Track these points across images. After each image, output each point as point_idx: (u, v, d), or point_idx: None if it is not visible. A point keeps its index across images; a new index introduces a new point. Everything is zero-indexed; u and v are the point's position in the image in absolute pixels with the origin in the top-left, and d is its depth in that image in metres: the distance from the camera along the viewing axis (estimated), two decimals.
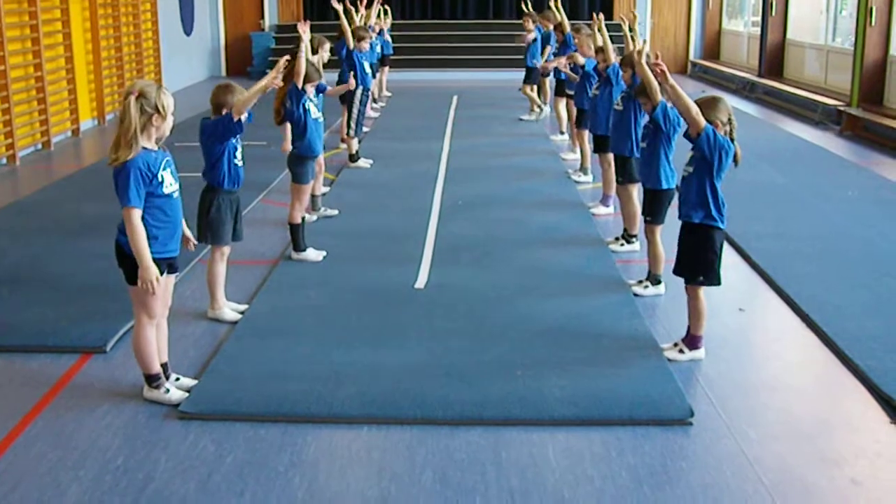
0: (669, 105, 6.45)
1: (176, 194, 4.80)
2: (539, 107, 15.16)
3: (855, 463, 4.49)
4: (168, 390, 5.00)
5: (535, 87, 15.14)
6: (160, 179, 4.67)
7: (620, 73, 6.29)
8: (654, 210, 6.76)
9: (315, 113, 7.48)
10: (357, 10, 13.47)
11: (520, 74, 15.34)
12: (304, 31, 7.75)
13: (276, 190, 9.85)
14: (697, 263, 5.58)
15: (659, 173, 6.68)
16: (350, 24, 11.95)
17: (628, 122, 7.67)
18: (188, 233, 5.20)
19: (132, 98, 4.58)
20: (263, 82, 5.75)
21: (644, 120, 7.30)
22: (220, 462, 4.43)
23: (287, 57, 6.38)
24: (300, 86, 7.31)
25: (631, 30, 8.01)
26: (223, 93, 5.96)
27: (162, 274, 4.75)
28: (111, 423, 4.82)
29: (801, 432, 4.80)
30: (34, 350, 5.74)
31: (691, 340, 5.68)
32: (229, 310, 6.29)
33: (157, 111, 4.61)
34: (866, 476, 4.38)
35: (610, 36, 8.95)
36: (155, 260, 4.69)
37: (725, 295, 6.74)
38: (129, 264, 4.74)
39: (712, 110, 5.45)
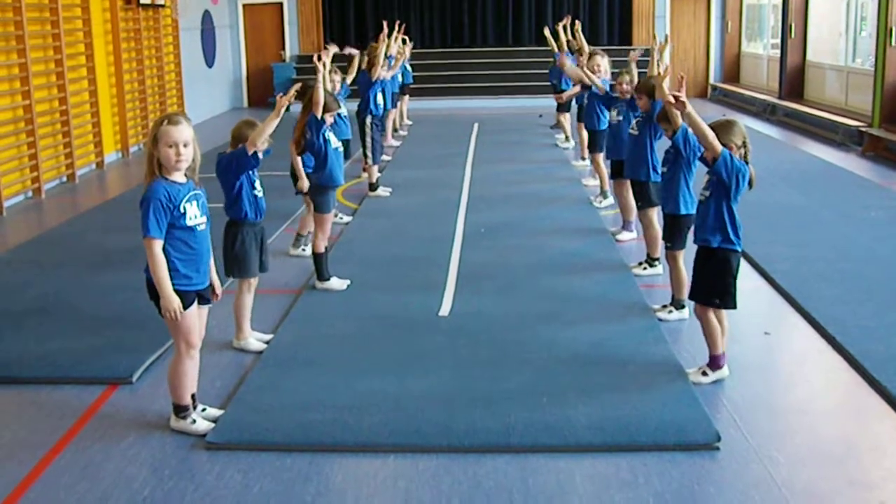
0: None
1: (202, 227, 4.80)
2: (567, 138, 15.15)
3: (884, 486, 4.45)
4: (195, 421, 5.02)
5: (567, 115, 15.13)
6: (182, 211, 4.67)
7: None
8: (673, 236, 6.76)
9: (335, 142, 7.52)
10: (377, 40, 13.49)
11: (540, 102, 15.34)
12: (326, 60, 7.81)
13: (299, 220, 9.87)
14: (714, 287, 5.58)
15: (678, 199, 6.68)
16: (371, 52, 12.00)
17: (644, 146, 7.70)
18: (216, 281, 5.13)
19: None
20: (273, 113, 5.82)
21: (659, 144, 7.34)
22: (247, 492, 4.43)
23: (298, 85, 6.44)
24: (319, 116, 7.35)
25: (659, 55, 8.07)
26: (245, 127, 6.04)
27: (190, 305, 4.78)
28: (138, 453, 4.84)
29: (829, 456, 4.76)
30: (61, 381, 5.77)
31: (712, 361, 5.67)
32: (254, 340, 6.31)
33: (153, 141, 4.65)
34: None
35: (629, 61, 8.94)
36: (182, 292, 4.71)
37: (750, 318, 6.72)
38: (155, 298, 4.76)
39: (727, 134, 5.47)
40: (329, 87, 8.49)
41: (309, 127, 7.38)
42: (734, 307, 5.61)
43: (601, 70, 9.92)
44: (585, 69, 9.83)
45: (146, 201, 4.63)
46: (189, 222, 4.72)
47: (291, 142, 7.80)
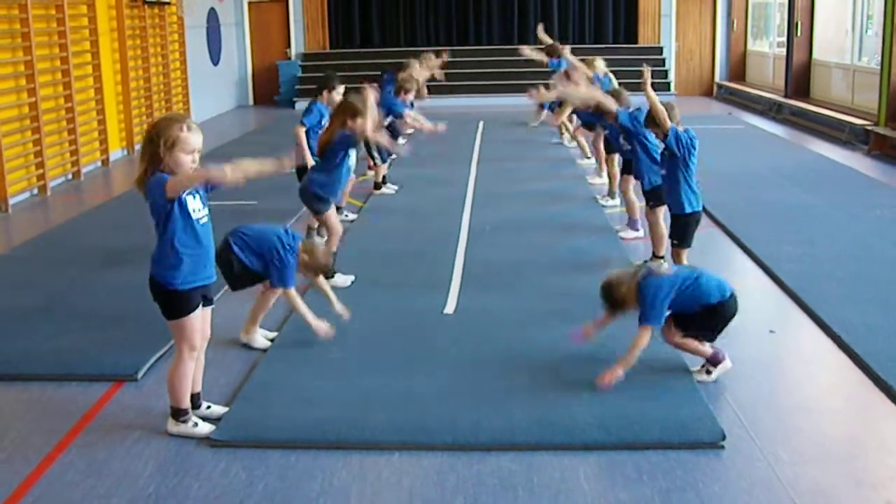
0: (681, 129, 6.55)
1: (204, 220, 4.76)
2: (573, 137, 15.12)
3: (890, 485, 4.44)
4: (196, 424, 4.99)
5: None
6: (185, 202, 4.64)
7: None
8: (680, 234, 6.77)
9: (352, 161, 7.51)
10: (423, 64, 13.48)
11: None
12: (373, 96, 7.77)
13: (303, 218, 9.86)
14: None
15: (681, 198, 6.71)
16: (407, 77, 11.96)
17: (638, 160, 7.84)
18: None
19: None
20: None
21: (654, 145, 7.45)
22: (252, 489, 4.44)
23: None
24: (359, 138, 7.24)
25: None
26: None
27: (195, 308, 4.78)
28: (143, 450, 4.84)
29: (834, 455, 4.75)
30: (66, 378, 5.78)
31: (711, 360, 5.63)
32: (261, 336, 6.31)
33: (169, 145, 4.58)
34: None
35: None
36: (189, 292, 4.72)
37: (755, 317, 6.71)
38: (163, 299, 4.76)
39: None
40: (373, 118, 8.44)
41: (341, 142, 7.29)
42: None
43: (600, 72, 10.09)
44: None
45: (158, 181, 4.53)
46: (194, 215, 4.68)
47: (298, 125, 7.91)
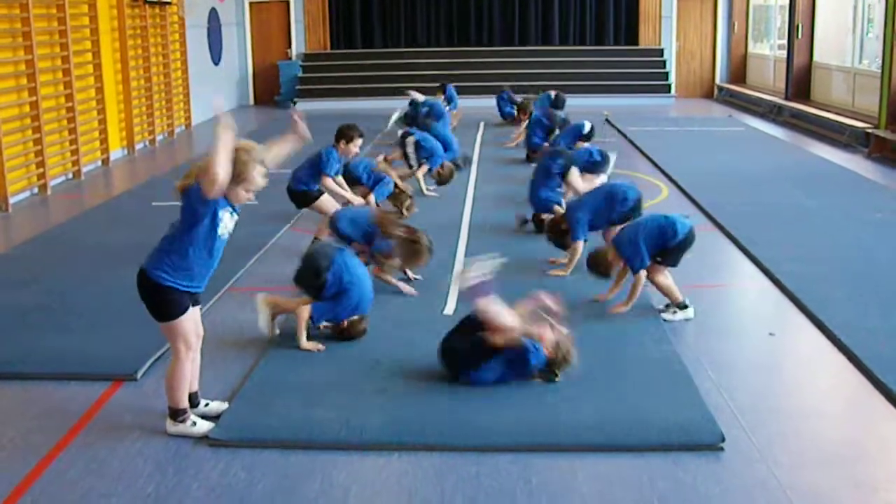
0: (638, 239, 6.79)
1: (225, 236, 4.77)
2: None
3: (889, 488, 4.44)
4: (195, 423, 4.99)
5: None
6: (219, 217, 4.67)
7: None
8: (667, 256, 6.74)
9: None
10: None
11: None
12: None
13: (303, 218, 9.87)
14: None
15: (667, 234, 6.73)
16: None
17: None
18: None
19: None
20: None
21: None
22: (251, 489, 4.44)
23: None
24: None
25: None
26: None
27: (185, 310, 4.80)
28: (142, 450, 4.84)
29: (834, 457, 4.75)
30: (65, 378, 5.78)
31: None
32: (274, 325, 6.34)
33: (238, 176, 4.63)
34: None
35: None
36: (181, 293, 4.75)
37: (755, 319, 6.71)
38: (153, 299, 4.77)
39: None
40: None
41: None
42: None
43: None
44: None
45: (196, 189, 4.55)
46: (220, 230, 4.70)
47: (324, 176, 8.56)
